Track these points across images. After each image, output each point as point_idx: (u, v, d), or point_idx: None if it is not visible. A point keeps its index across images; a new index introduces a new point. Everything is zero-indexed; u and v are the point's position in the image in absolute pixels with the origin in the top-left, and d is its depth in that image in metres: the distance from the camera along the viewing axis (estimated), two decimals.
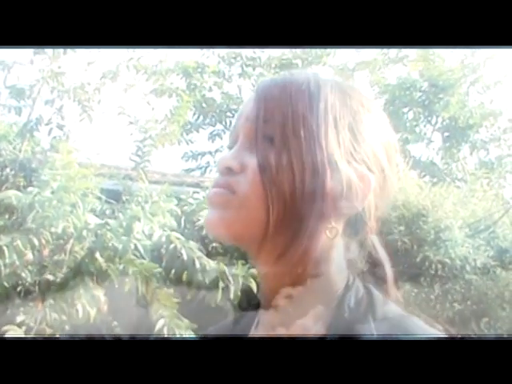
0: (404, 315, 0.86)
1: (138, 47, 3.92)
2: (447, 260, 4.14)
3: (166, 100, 4.81)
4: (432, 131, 6.78)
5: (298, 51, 6.28)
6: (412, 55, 6.58)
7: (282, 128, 0.85)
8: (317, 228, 0.85)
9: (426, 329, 0.83)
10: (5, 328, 2.76)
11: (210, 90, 6.22)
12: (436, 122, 6.71)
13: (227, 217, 0.86)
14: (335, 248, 0.89)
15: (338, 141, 0.86)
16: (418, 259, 4.12)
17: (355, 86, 0.96)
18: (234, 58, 6.40)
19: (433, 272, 4.15)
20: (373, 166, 0.88)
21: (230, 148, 0.92)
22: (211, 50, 6.04)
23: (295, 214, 0.84)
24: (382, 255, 0.95)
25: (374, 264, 0.94)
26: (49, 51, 3.98)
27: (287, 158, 0.84)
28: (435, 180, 5.96)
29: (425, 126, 6.76)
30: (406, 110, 6.72)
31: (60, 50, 3.99)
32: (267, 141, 0.86)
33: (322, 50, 6.13)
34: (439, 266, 4.14)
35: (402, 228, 4.20)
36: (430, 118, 6.71)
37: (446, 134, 6.72)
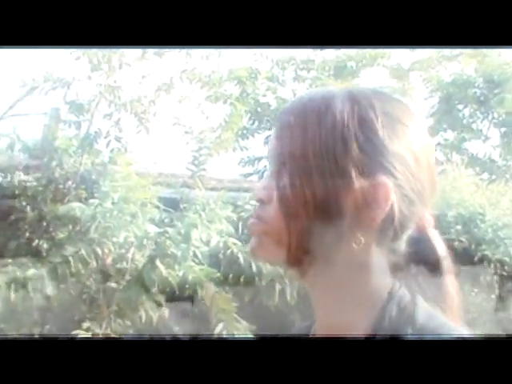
0: (445, 323, 0.86)
1: (189, 47, 3.97)
2: (506, 258, 4.10)
3: (220, 106, 4.88)
4: (488, 127, 6.66)
5: (352, 53, 6.23)
6: (466, 51, 6.47)
7: (293, 152, 0.90)
8: (340, 243, 0.89)
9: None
10: (75, 332, 2.89)
11: (264, 95, 6.25)
12: (493, 118, 6.59)
13: (263, 243, 0.93)
14: (373, 256, 0.91)
15: (349, 154, 0.88)
16: (476, 258, 4.09)
17: (372, 92, 0.94)
18: (288, 62, 6.36)
19: (492, 271, 4.11)
20: (391, 172, 0.89)
21: None
22: (264, 55, 6.04)
23: (316, 233, 0.89)
24: (440, 248, 0.96)
25: (427, 262, 0.94)
26: (105, 66, 4.12)
27: (299, 181, 0.89)
28: (494, 177, 5.88)
29: (481, 122, 6.65)
30: (461, 107, 6.62)
31: (115, 65, 4.11)
32: (282, 167, 0.91)
33: (377, 51, 6.07)
34: (498, 264, 4.10)
35: (458, 227, 4.18)
36: (486, 114, 6.58)
37: (504, 129, 6.59)
